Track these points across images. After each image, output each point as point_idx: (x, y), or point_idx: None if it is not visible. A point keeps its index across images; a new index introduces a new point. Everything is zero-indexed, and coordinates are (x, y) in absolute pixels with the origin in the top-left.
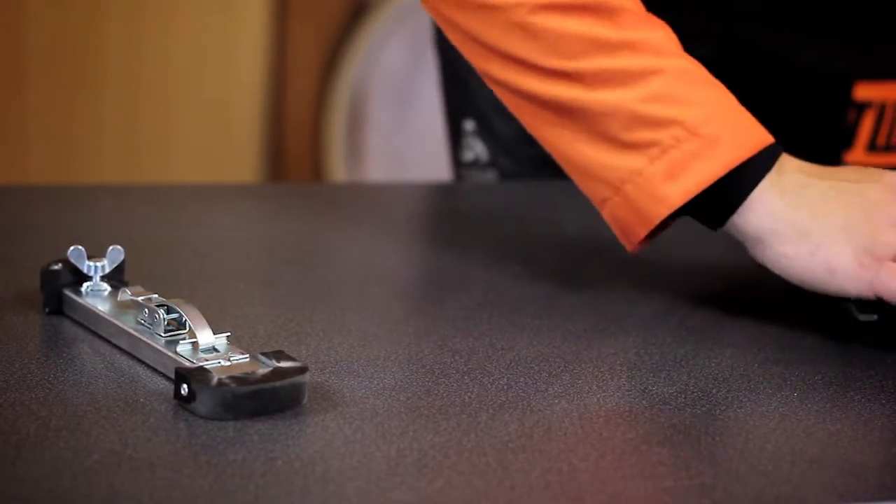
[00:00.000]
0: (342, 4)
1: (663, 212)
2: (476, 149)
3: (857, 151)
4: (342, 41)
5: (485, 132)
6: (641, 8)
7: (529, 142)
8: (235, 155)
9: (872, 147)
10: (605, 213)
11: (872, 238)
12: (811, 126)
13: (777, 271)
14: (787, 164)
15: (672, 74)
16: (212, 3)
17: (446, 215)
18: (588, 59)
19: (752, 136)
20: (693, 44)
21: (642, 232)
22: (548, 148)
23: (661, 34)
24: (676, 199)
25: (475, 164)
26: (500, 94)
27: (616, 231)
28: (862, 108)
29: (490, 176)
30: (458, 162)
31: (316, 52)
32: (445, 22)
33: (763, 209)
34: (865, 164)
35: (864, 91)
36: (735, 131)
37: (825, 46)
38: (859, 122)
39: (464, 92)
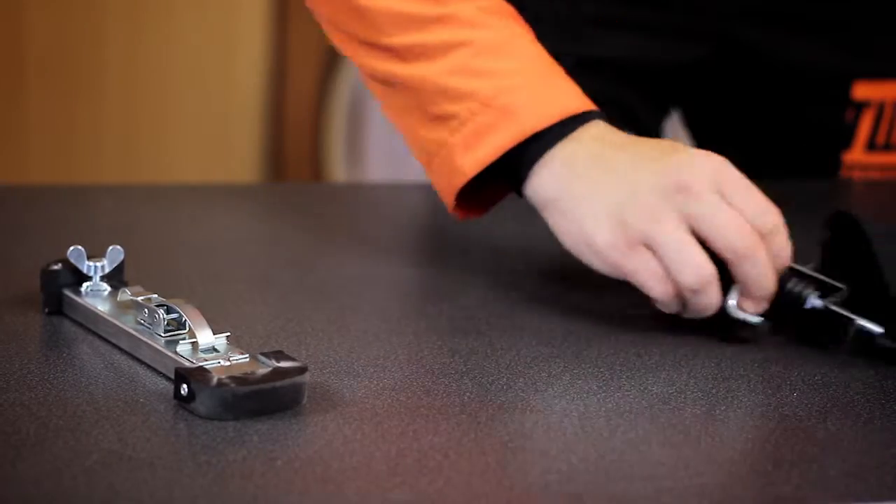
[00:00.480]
0: None
1: (459, 182)
2: None
3: (857, 150)
4: None
5: None
6: None
7: None
8: (235, 155)
9: (872, 146)
10: (432, 184)
11: (627, 223)
12: (810, 125)
13: (559, 241)
14: (588, 133)
15: (477, 46)
16: (212, 3)
17: (446, 215)
18: (403, 35)
19: (553, 105)
20: (692, 43)
21: (450, 201)
22: (393, 124)
23: (473, 7)
24: (470, 169)
25: None
26: (361, 75)
27: (442, 199)
28: (861, 106)
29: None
30: None
31: (316, 52)
32: (313, 13)
33: (545, 179)
34: (865, 164)
35: (863, 90)
36: (533, 102)
37: (824, 45)
38: (858, 120)
39: None
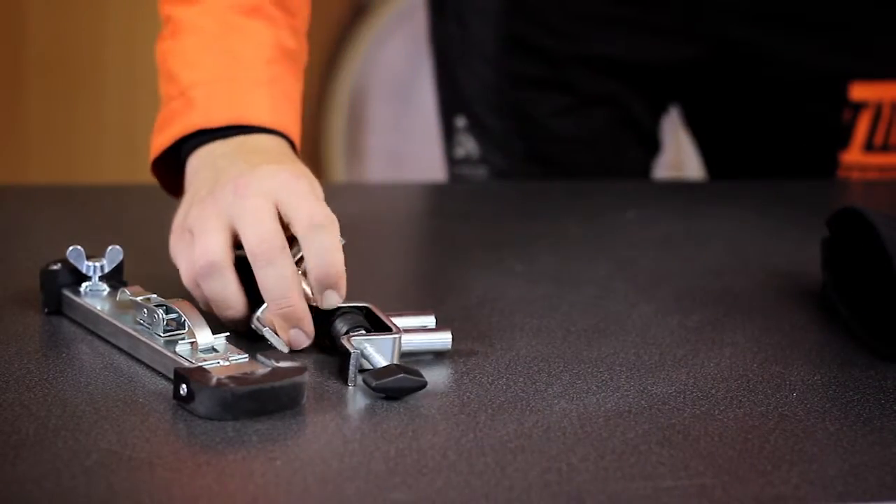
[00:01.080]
0: (342, 4)
1: (150, 158)
2: (467, 145)
3: (854, 151)
4: (342, 41)
5: (475, 128)
6: None
7: (519, 138)
8: None
9: (869, 147)
10: None
11: (192, 203)
12: (807, 126)
13: None
14: (239, 141)
15: (204, 35)
16: None
17: (446, 215)
18: (168, 5)
19: (232, 110)
20: (690, 43)
21: (153, 175)
22: None
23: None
24: (156, 149)
25: (466, 160)
26: None
27: None
28: (858, 107)
29: (481, 172)
30: (450, 158)
31: (316, 52)
32: None
33: (189, 172)
34: (862, 164)
35: (860, 91)
36: (214, 100)
37: (821, 46)
38: (855, 121)
39: (455, 89)
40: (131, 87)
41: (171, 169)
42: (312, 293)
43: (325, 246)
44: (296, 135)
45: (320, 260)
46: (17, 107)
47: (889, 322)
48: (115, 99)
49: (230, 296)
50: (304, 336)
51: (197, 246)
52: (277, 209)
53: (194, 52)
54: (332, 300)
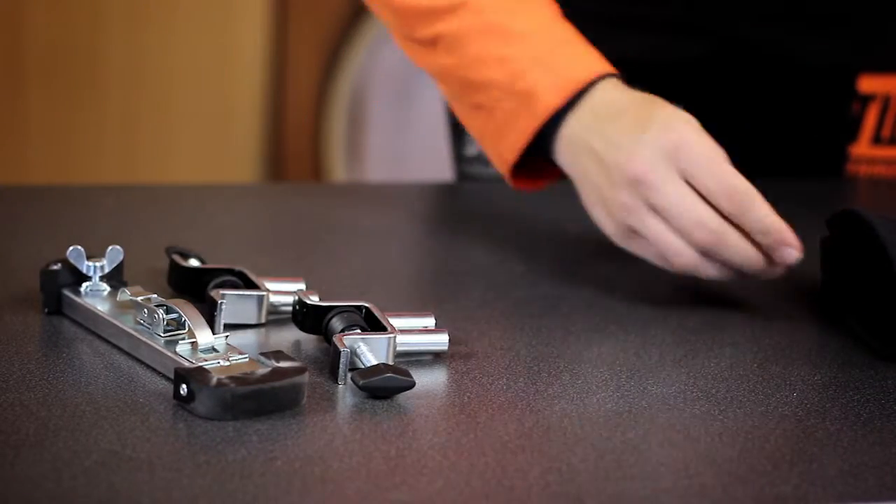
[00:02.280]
0: (342, 4)
1: (504, 169)
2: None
3: (862, 144)
4: (342, 41)
5: None
6: None
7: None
8: (235, 155)
9: (877, 139)
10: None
11: (614, 216)
12: (816, 119)
13: None
14: (588, 106)
15: (486, 33)
16: (212, 3)
17: (446, 215)
18: (427, 27)
19: (564, 79)
20: (695, 40)
21: (509, 181)
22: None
23: None
24: (510, 156)
25: (478, 158)
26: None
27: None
28: (866, 100)
29: (492, 170)
30: (459, 156)
31: (316, 52)
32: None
33: (560, 158)
34: (871, 157)
35: (869, 83)
36: (548, 78)
37: (829, 39)
38: (864, 114)
39: None
40: (131, 88)
41: (523, 163)
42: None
43: (760, 217)
44: (610, 67)
45: (763, 229)
46: (17, 107)
47: (889, 322)
48: (115, 99)
49: (749, 249)
50: (794, 251)
51: (673, 251)
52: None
53: (495, 50)
54: (792, 255)
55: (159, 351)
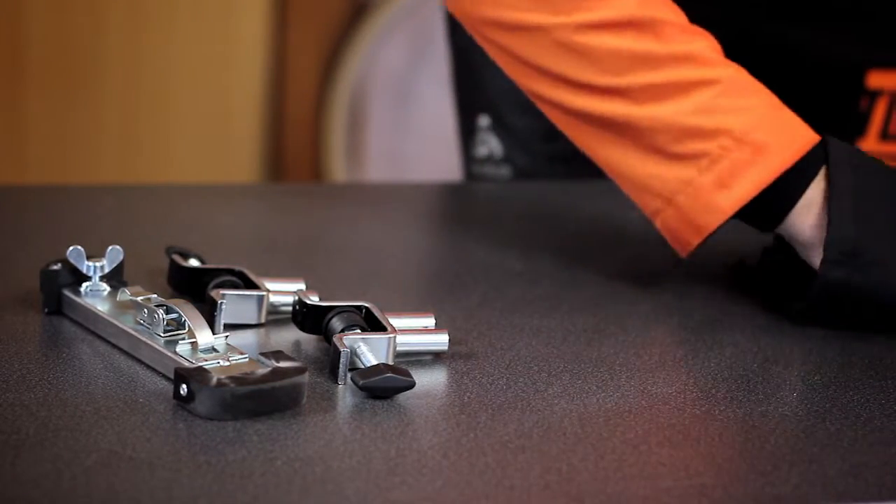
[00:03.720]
0: (342, 4)
1: (716, 221)
2: (490, 144)
3: (870, 139)
4: (342, 41)
5: (499, 127)
6: (684, 19)
7: (544, 138)
8: (235, 155)
9: (885, 135)
10: (658, 224)
11: None
12: (824, 114)
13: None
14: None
15: (718, 85)
16: (212, 3)
17: (446, 215)
18: (635, 75)
19: (799, 137)
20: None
21: (696, 240)
22: (600, 164)
23: (704, 44)
24: (728, 207)
25: (489, 159)
26: (549, 113)
27: (669, 240)
28: (874, 96)
29: (504, 171)
30: (470, 157)
31: (316, 52)
32: (489, 43)
33: (811, 219)
34: (879, 153)
35: (877, 79)
36: (781, 135)
37: (837, 35)
38: (872, 110)
39: (478, 86)
40: (131, 87)
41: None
42: None
43: None
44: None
45: None
46: (17, 107)
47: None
48: (115, 99)
49: None
50: None
51: None
52: None
53: (716, 101)
54: None
55: (159, 351)
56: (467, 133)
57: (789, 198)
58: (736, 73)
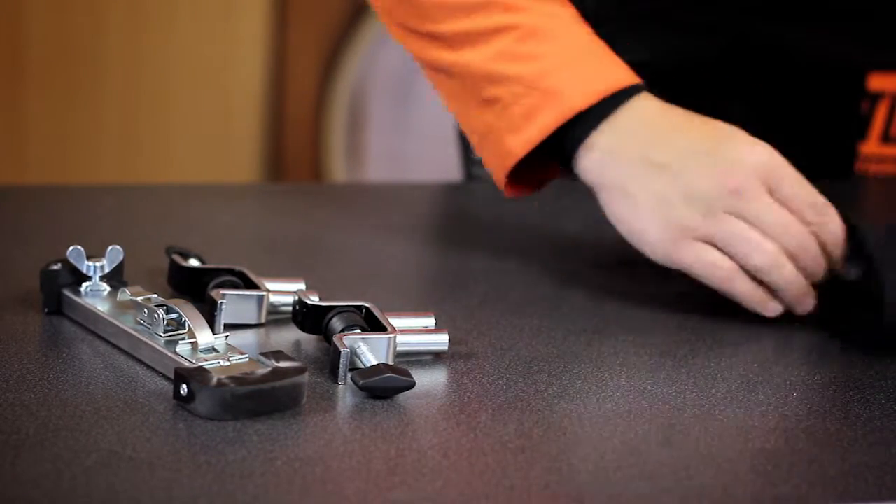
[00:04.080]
0: (342, 4)
1: (510, 163)
2: None
3: (872, 142)
4: (342, 41)
5: None
6: None
7: None
8: (235, 155)
9: (887, 138)
10: (485, 167)
11: (681, 223)
12: (825, 117)
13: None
14: (631, 115)
15: (516, 31)
16: (212, 3)
17: (446, 215)
18: (451, 22)
19: (595, 83)
20: (703, 39)
21: (500, 180)
22: (451, 114)
23: None
24: (519, 149)
25: None
26: (423, 71)
27: (495, 182)
28: (875, 98)
29: None
30: (468, 158)
31: (316, 52)
32: (372, 5)
33: (590, 164)
34: (880, 155)
35: (878, 81)
36: (575, 81)
37: (838, 37)
38: (873, 112)
39: None
40: (131, 87)
41: (525, 167)
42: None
43: (837, 230)
44: (637, 77)
45: (837, 241)
46: (17, 107)
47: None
48: (114, 99)
49: (823, 260)
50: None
51: (751, 250)
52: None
53: (527, 47)
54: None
55: (159, 351)
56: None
57: (572, 142)
58: (539, 20)
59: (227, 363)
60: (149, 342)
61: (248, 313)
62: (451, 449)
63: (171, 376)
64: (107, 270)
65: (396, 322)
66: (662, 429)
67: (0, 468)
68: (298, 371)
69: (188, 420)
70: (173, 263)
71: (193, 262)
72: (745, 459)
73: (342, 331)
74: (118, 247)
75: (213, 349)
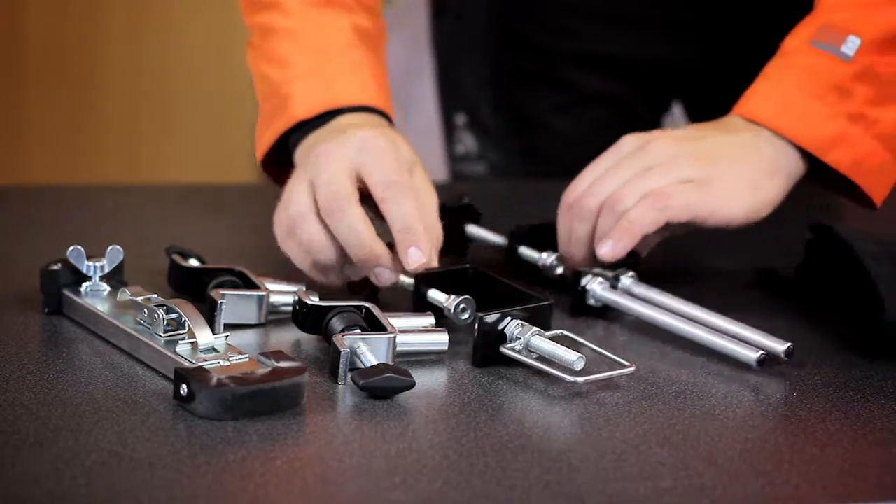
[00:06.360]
0: None
1: (259, 157)
2: (466, 142)
3: None
4: None
5: (474, 125)
6: None
7: (517, 135)
8: (235, 155)
9: None
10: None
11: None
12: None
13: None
14: (329, 126)
15: (287, 36)
16: (212, 3)
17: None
18: (251, 16)
19: (325, 97)
20: (691, 39)
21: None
22: None
23: None
24: (262, 148)
25: (466, 157)
26: None
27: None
28: None
29: (480, 168)
30: (451, 156)
31: None
32: None
33: (297, 156)
34: None
35: None
36: (309, 91)
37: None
38: None
39: (455, 87)
40: (132, 87)
41: (280, 164)
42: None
43: (401, 207)
44: (386, 107)
45: (396, 220)
46: (18, 107)
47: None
48: (115, 99)
49: (321, 240)
50: (388, 272)
51: (287, 206)
52: (358, 171)
53: (282, 51)
54: (414, 258)
55: (159, 351)
56: (447, 132)
57: (293, 147)
58: (300, 26)
59: (227, 363)
60: (149, 342)
61: (248, 313)
62: (451, 449)
63: (171, 376)
64: (107, 270)
65: (396, 322)
66: (662, 429)
67: (0, 468)
68: (298, 371)
69: (188, 420)
70: (173, 263)
71: (193, 262)
72: (745, 459)
73: (342, 331)
74: (118, 247)
75: (213, 349)
